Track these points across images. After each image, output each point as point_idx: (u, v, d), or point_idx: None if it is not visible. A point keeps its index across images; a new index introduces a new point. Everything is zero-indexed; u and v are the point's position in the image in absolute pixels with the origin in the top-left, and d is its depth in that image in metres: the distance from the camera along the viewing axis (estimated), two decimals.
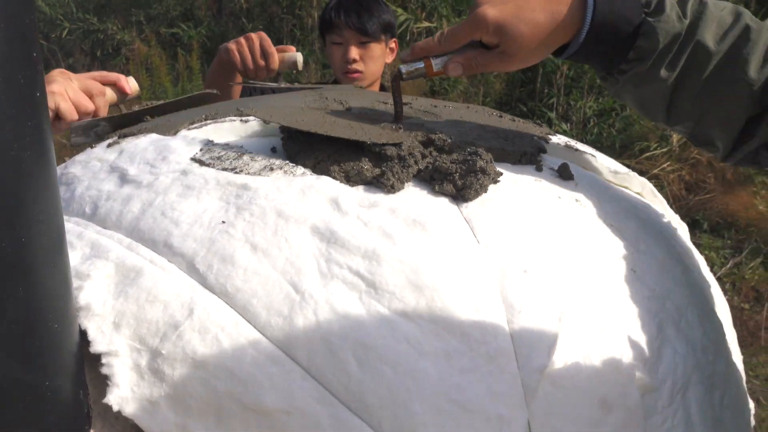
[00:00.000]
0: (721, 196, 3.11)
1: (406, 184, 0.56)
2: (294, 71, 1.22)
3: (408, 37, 3.94)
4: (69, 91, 0.86)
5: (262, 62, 1.14)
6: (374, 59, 1.40)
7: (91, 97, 0.89)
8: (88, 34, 4.77)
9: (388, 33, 1.42)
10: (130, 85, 0.94)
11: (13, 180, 0.36)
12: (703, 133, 0.62)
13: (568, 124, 3.50)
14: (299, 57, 1.16)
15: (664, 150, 3.25)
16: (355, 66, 1.38)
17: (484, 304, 0.47)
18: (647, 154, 3.24)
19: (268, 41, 1.14)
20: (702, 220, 3.01)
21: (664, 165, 3.22)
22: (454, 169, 0.55)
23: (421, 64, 0.63)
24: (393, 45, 1.48)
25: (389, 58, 1.48)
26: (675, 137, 3.24)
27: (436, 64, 0.62)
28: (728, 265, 2.75)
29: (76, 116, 0.87)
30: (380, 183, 0.54)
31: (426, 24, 3.95)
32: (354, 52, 1.37)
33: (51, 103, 0.84)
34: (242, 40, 1.15)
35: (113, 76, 0.91)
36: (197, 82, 3.99)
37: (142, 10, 4.90)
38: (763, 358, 2.27)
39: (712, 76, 0.57)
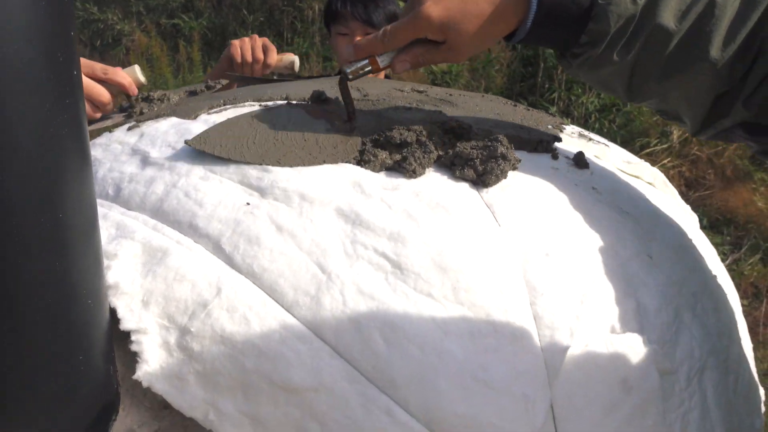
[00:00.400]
0: (721, 192, 3.12)
1: (427, 169, 0.56)
2: (290, 73, 1.22)
3: None
4: None
5: (260, 55, 1.16)
6: None
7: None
8: (87, 23, 4.75)
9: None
10: (138, 75, 0.86)
11: (52, 156, 0.37)
12: (670, 110, 0.60)
13: (569, 119, 3.51)
14: (296, 59, 1.18)
15: (665, 146, 3.27)
16: None
17: (507, 286, 0.47)
18: (647, 150, 3.25)
19: (269, 43, 1.18)
20: (701, 216, 3.02)
21: (665, 161, 3.23)
22: (475, 154, 0.55)
23: (365, 62, 0.61)
24: None
25: None
26: (675, 134, 3.25)
27: (381, 60, 0.61)
28: (727, 261, 2.77)
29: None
30: (402, 168, 0.55)
31: None
32: None
33: None
34: (246, 38, 1.19)
35: (119, 77, 0.80)
36: (198, 74, 3.98)
37: (142, 0, 4.88)
38: (762, 353, 2.29)
39: (673, 55, 0.54)
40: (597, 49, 0.55)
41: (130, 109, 0.79)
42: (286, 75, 1.14)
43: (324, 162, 0.55)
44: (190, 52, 4.21)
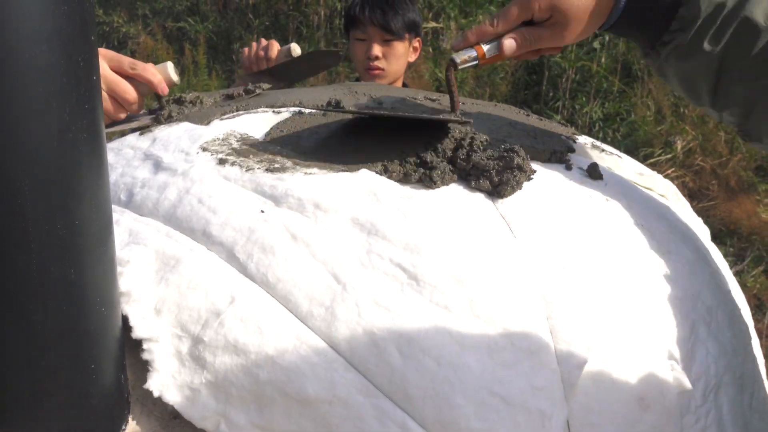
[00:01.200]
0: (724, 203, 3.11)
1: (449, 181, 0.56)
2: (289, 59, 1.23)
3: None
4: (104, 84, 0.70)
5: (261, 53, 1.21)
6: (397, 57, 1.40)
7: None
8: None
9: (412, 32, 1.42)
10: (170, 73, 0.77)
11: (70, 162, 0.36)
12: (754, 125, 0.59)
13: (573, 128, 3.51)
14: (294, 46, 1.20)
15: (669, 156, 3.26)
16: (377, 63, 1.38)
17: (524, 299, 0.47)
18: (651, 160, 3.25)
19: (272, 41, 1.23)
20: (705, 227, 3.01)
21: (668, 171, 3.22)
22: (491, 165, 0.55)
23: (473, 52, 0.63)
24: (417, 44, 1.49)
25: (412, 57, 1.48)
26: (679, 143, 3.25)
27: (488, 50, 0.62)
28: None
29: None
30: (428, 180, 0.54)
31: (433, 24, 3.95)
32: (377, 50, 1.38)
33: None
34: (254, 43, 1.24)
35: (149, 73, 0.73)
36: (203, 77, 3.99)
37: (147, 3, 4.89)
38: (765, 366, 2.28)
39: (762, 55, 0.54)
40: (686, 35, 0.56)
41: (159, 111, 0.73)
42: (286, 61, 1.14)
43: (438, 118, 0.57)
44: (195, 55, 4.21)
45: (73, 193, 0.37)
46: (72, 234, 0.37)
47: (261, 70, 1.20)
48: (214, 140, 0.60)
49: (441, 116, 0.61)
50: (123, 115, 0.72)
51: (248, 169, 0.55)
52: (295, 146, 0.60)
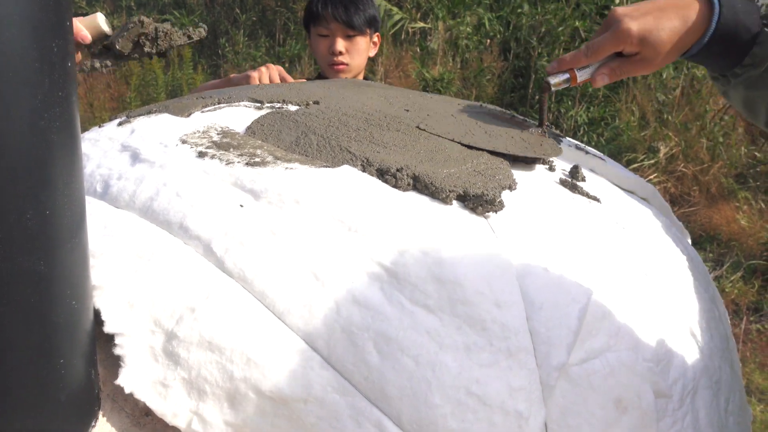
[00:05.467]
0: (705, 209, 3.15)
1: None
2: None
3: (403, 36, 3.94)
4: None
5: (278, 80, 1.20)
6: (359, 52, 1.43)
7: None
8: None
9: (372, 27, 1.45)
10: (101, 24, 0.74)
11: (42, 150, 0.35)
12: None
13: (558, 132, 3.53)
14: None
15: (652, 162, 3.29)
16: (341, 58, 1.40)
17: (504, 299, 0.47)
18: (635, 165, 3.28)
19: (284, 72, 1.22)
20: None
21: (651, 176, 3.26)
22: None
23: (566, 75, 0.69)
24: (376, 39, 1.51)
25: (372, 52, 1.51)
26: (662, 150, 3.28)
27: (580, 75, 0.69)
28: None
29: None
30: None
31: (421, 24, 3.95)
32: (340, 45, 1.39)
33: None
34: (263, 68, 1.22)
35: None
36: (188, 70, 3.95)
37: None
38: (741, 371, 2.31)
39: None
40: (758, 71, 0.63)
41: (83, 62, 0.70)
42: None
43: (535, 153, 0.63)
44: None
45: (44, 183, 0.36)
46: (42, 224, 0.36)
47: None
48: (194, 133, 0.59)
49: (535, 153, 0.65)
50: None
51: (228, 162, 0.54)
52: (276, 140, 0.59)
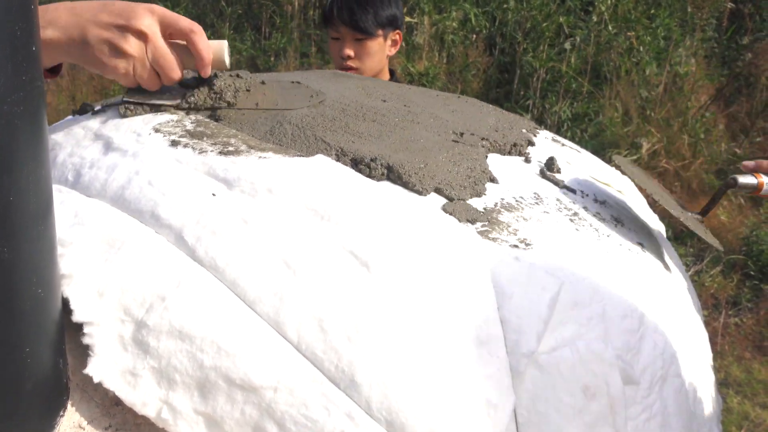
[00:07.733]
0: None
1: None
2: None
3: None
4: (150, 52, 0.58)
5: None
6: (370, 55, 1.40)
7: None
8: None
9: (388, 27, 1.41)
10: (224, 56, 0.62)
11: (5, 135, 0.35)
12: None
13: (542, 127, 3.55)
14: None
15: (634, 158, 3.32)
16: (350, 63, 1.38)
17: (475, 289, 0.47)
18: None
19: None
20: (667, 227, 3.08)
21: None
22: None
23: (754, 180, 0.67)
24: (396, 37, 1.48)
25: (392, 51, 1.47)
26: (645, 146, 3.31)
27: (767, 183, 0.67)
28: (689, 273, 2.83)
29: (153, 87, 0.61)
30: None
31: (407, 19, 3.95)
32: (349, 49, 1.37)
33: (121, 63, 0.56)
34: None
35: (202, 50, 0.59)
36: None
37: None
38: (719, 363, 2.34)
39: None
40: None
41: (190, 91, 0.61)
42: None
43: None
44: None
45: (8, 168, 0.35)
46: (5, 210, 0.35)
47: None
48: (168, 122, 0.58)
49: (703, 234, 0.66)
50: (155, 87, 0.61)
51: (201, 151, 0.54)
52: (251, 129, 0.59)
